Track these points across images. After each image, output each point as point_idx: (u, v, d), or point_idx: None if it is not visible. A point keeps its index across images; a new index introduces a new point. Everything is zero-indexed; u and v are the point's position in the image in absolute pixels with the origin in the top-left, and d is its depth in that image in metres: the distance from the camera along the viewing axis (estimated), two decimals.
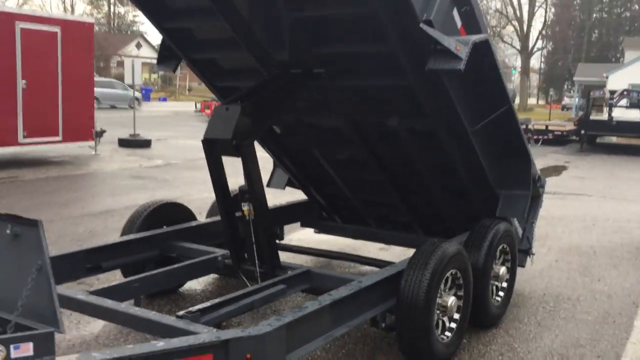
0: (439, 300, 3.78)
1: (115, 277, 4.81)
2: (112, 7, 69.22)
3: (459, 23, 4.04)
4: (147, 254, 4.65)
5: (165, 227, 4.89)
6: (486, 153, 4.69)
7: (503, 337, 4.41)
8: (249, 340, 2.77)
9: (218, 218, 5.22)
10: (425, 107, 4.19)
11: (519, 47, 58.50)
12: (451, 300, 3.88)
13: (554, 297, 5.36)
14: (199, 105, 32.85)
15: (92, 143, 12.87)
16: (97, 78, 24.68)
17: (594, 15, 71.14)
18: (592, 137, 21.68)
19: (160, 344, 2.64)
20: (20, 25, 10.75)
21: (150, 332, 3.21)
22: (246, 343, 2.76)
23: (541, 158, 17.97)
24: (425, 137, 4.50)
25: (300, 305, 3.22)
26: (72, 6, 66.77)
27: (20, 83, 10.89)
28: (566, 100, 59.15)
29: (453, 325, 3.96)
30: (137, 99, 11.96)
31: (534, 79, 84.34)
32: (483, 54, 3.98)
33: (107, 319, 3.49)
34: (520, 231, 5.40)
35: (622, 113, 21.73)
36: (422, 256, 3.74)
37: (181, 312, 3.26)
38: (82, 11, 67.43)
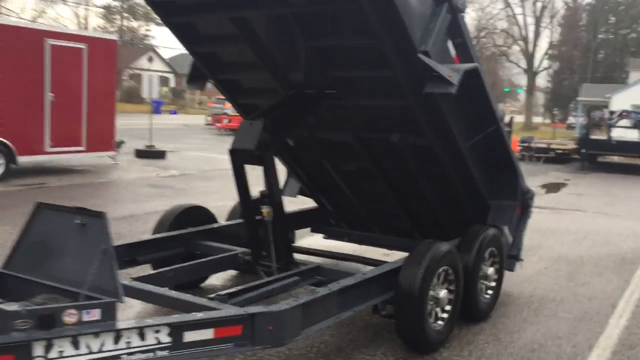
0: (432, 293, 4.35)
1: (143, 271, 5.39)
2: (124, 21, 70.52)
3: (453, 52, 4.67)
4: (175, 250, 5.25)
5: (190, 227, 5.49)
6: (478, 167, 5.28)
7: (490, 330, 4.97)
8: (270, 315, 3.36)
9: (237, 221, 5.85)
10: (423, 125, 4.78)
11: (524, 67, 59.15)
12: (443, 293, 4.46)
13: (540, 299, 5.92)
14: (209, 119, 33.49)
15: (112, 153, 13.52)
16: None
17: (600, 36, 71.81)
18: (593, 156, 22.15)
19: (200, 314, 3.23)
20: (49, 41, 11.48)
21: (186, 311, 3.78)
22: (268, 317, 3.35)
23: (542, 175, 18.53)
24: (423, 151, 5.08)
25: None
26: (85, 19, 68.23)
27: (48, 96, 11.59)
28: (571, 120, 59.61)
29: (445, 315, 4.53)
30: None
31: (541, 97, 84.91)
32: (473, 79, 4.58)
33: (149, 300, 4.08)
34: (510, 238, 5.96)
35: (624, 133, 22.24)
36: (418, 254, 4.32)
37: (212, 295, 3.85)
38: (95, 24, 68.82)
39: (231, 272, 6.04)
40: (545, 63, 65.63)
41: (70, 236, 3.36)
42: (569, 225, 10.10)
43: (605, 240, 9.00)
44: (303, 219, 6.66)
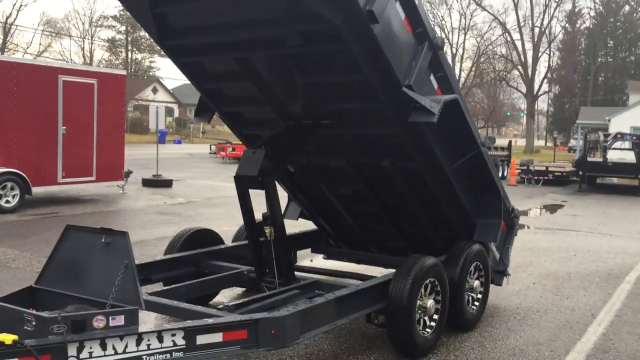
0: (419, 302, 4.79)
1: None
2: (129, 53, 71.89)
3: (435, 85, 5.16)
4: (186, 269, 5.70)
5: (199, 249, 5.96)
6: (463, 188, 5.74)
7: (476, 337, 5.39)
8: (273, 320, 3.81)
9: (242, 242, 6.32)
10: (411, 151, 5.26)
11: (524, 91, 59.92)
12: (430, 303, 4.89)
13: (525, 310, 6.33)
14: (213, 148, 34.07)
15: (121, 182, 14.04)
16: None
17: (599, 59, 72.80)
18: (592, 177, 22.57)
19: (211, 320, 3.68)
20: (62, 78, 12.09)
21: None
22: (271, 322, 3.80)
23: (540, 197, 18.95)
24: (412, 174, 5.56)
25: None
26: (90, 52, 69.64)
27: (61, 129, 12.17)
28: (572, 142, 60.15)
29: (433, 323, 4.96)
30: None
31: (543, 121, 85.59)
32: (454, 109, 5.08)
33: (164, 312, 4.53)
34: (497, 255, 6.41)
35: (624, 155, 22.63)
36: (406, 267, 4.78)
37: (221, 305, 4.30)
38: (100, 57, 70.20)
39: (237, 291, 6.49)
40: (545, 87, 66.46)
41: (96, 253, 3.84)
42: (561, 244, 10.51)
43: (595, 257, 9.40)
44: (304, 241, 7.11)
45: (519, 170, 23.99)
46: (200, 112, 6.10)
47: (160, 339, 3.53)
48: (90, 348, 3.34)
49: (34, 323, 3.37)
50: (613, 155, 23.00)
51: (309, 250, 7.29)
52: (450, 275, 5.28)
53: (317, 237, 7.22)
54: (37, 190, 11.87)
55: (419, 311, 4.80)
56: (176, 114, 69.43)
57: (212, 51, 5.13)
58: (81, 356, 3.31)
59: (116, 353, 3.41)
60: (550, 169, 23.88)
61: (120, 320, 3.48)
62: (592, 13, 72.39)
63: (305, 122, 5.47)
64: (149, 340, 3.50)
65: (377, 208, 6.10)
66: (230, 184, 17.51)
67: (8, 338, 3.14)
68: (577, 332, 5.63)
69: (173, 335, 3.56)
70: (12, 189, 11.36)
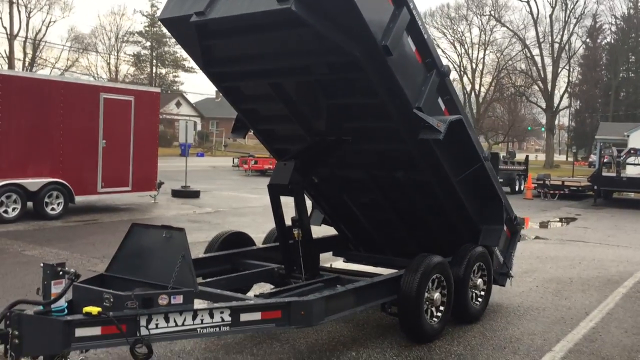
0: (427, 295, 5.53)
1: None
2: (154, 68, 73.64)
3: (442, 107, 5.94)
4: (223, 267, 6.50)
5: (234, 249, 6.76)
6: (468, 197, 6.48)
7: (478, 328, 6.11)
8: (302, 303, 4.59)
9: (271, 244, 7.12)
10: (421, 164, 6.02)
11: (544, 106, 60.18)
12: (436, 296, 5.64)
13: (525, 308, 7.03)
14: (236, 161, 34.98)
15: (153, 193, 14.97)
16: None
17: (621, 74, 72.79)
18: (608, 192, 22.99)
19: (252, 301, 4.48)
20: (103, 95, 13.11)
21: None
22: (301, 305, 4.57)
23: (554, 210, 19.50)
24: (423, 185, 6.32)
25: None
26: (116, 67, 71.60)
27: (101, 143, 13.16)
28: (592, 158, 60.16)
29: (439, 314, 5.70)
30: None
31: (565, 136, 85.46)
32: (459, 128, 5.84)
33: (210, 299, 5.31)
34: (501, 258, 7.12)
35: None
36: (415, 263, 5.53)
37: (257, 293, 5.09)
38: (126, 72, 72.10)
39: (267, 287, 7.26)
40: (566, 102, 66.58)
41: (158, 246, 4.66)
42: (568, 253, 11.14)
43: (598, 265, 10.03)
44: (326, 245, 7.88)
45: (535, 185, 24.51)
46: (237, 129, 6.93)
47: (211, 315, 4.32)
48: (157, 320, 4.14)
49: (111, 300, 4.19)
50: (633, 171, 23.33)
51: (329, 255, 8.05)
52: (456, 273, 6.01)
53: (338, 241, 7.98)
54: (79, 199, 12.84)
55: (427, 302, 5.54)
56: (199, 127, 70.79)
57: (249, 77, 5.97)
58: (150, 327, 4.11)
59: (176, 325, 4.21)
60: (566, 183, 24.32)
61: (179, 299, 4.28)
62: (613, 28, 72.56)
63: (329, 138, 6.27)
64: (202, 316, 4.30)
65: (391, 214, 6.85)
66: (254, 195, 18.58)
67: (94, 310, 3.97)
68: (569, 326, 6.32)
69: (221, 312, 4.35)
70: (57, 197, 12.36)
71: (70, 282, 3.95)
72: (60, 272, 3.94)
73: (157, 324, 4.15)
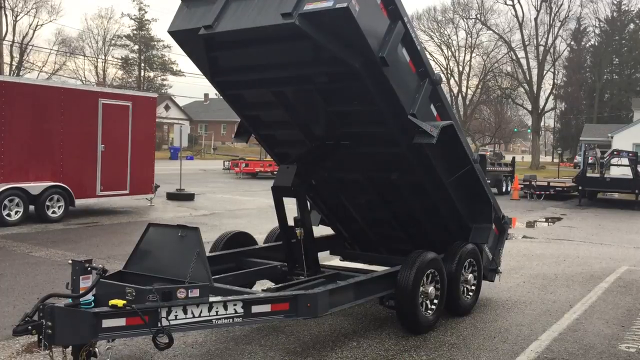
0: (422, 289, 5.93)
1: None
2: (142, 71, 73.59)
3: (435, 113, 6.34)
4: (228, 265, 6.86)
5: (237, 248, 7.12)
6: (459, 197, 6.89)
7: (470, 320, 6.52)
8: (308, 296, 4.96)
9: (272, 244, 7.48)
10: (415, 166, 6.41)
11: (530, 108, 60.97)
12: (431, 290, 6.03)
13: (514, 302, 7.45)
14: (227, 164, 35.25)
15: (150, 196, 15.28)
16: None
17: (605, 76, 73.90)
18: (592, 192, 23.52)
19: (262, 295, 4.85)
20: (102, 100, 13.41)
21: None
22: (307, 297, 4.95)
23: (540, 211, 20.00)
24: (416, 186, 6.71)
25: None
26: (104, 71, 71.48)
27: (100, 147, 13.45)
28: (577, 159, 61.05)
29: (433, 307, 6.10)
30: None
31: (550, 137, 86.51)
32: (450, 132, 6.24)
33: (220, 294, 5.66)
34: (490, 255, 7.53)
35: (625, 171, 23.47)
36: (411, 259, 5.92)
37: (265, 288, 5.46)
38: (113, 75, 71.99)
39: (269, 285, 7.63)
40: (551, 104, 67.51)
41: (174, 244, 5.02)
42: (554, 251, 11.59)
43: (582, 262, 10.49)
44: (324, 244, 8.25)
45: (522, 185, 25.03)
46: (240, 134, 7.29)
47: (225, 307, 4.69)
48: (176, 312, 4.50)
49: (133, 294, 4.54)
50: (617, 172, 23.86)
51: (326, 254, 8.42)
52: (448, 268, 6.41)
53: (335, 241, 8.36)
54: (79, 202, 13.14)
55: (422, 296, 5.93)
56: (188, 130, 70.85)
57: (253, 86, 6.34)
58: (169, 318, 4.47)
59: (194, 317, 4.57)
60: (551, 184, 24.84)
61: (196, 292, 4.64)
62: (597, 31, 73.71)
63: (328, 143, 6.65)
64: (217, 308, 4.66)
65: (387, 214, 7.24)
66: (247, 197, 19.03)
67: (120, 302, 4.31)
68: (554, 317, 6.75)
69: (235, 305, 4.72)
70: (58, 200, 12.64)
71: (99, 277, 4.30)
72: (89, 268, 4.29)
73: (176, 316, 4.50)
